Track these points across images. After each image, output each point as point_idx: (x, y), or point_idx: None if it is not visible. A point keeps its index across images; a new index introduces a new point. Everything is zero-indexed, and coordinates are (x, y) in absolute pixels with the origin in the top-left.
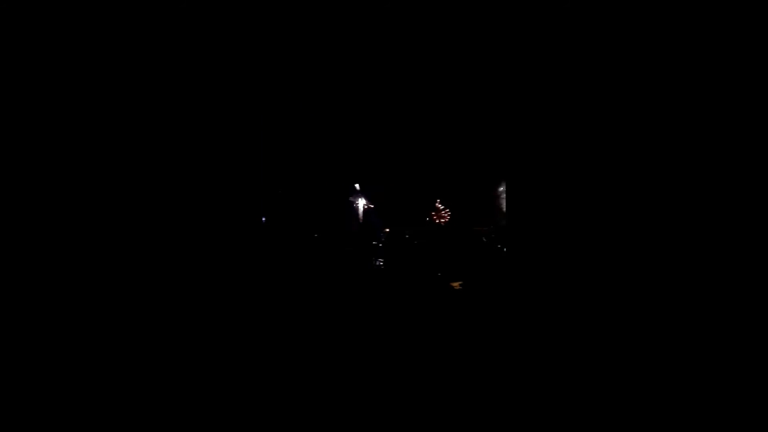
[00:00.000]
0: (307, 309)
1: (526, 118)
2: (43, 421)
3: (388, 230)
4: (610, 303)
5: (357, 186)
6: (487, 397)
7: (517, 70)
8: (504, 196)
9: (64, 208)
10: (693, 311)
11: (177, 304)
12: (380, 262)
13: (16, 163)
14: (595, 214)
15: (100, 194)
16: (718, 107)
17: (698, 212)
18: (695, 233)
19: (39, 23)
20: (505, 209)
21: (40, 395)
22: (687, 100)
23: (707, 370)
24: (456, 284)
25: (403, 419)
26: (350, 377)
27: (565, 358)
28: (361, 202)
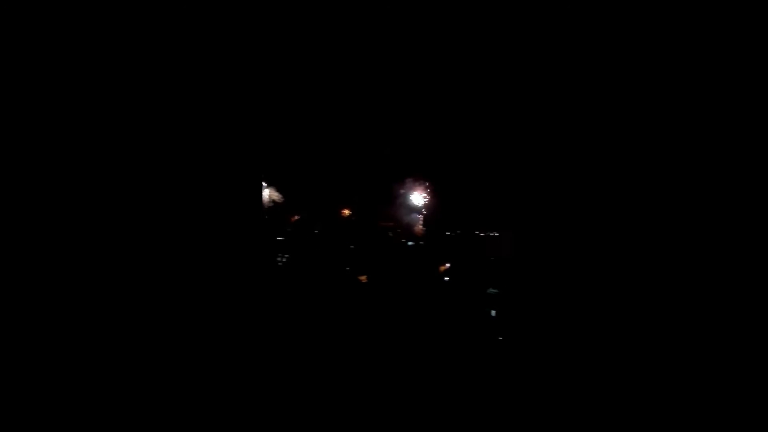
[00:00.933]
0: (210, 308)
1: (439, 115)
2: (43, 421)
3: (295, 219)
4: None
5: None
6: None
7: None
8: (409, 193)
9: (60, 207)
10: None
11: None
12: (285, 257)
13: (14, 163)
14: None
15: (97, 193)
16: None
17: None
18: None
19: (38, 23)
20: (410, 206)
21: (39, 395)
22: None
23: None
24: (363, 278)
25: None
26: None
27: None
28: (266, 192)
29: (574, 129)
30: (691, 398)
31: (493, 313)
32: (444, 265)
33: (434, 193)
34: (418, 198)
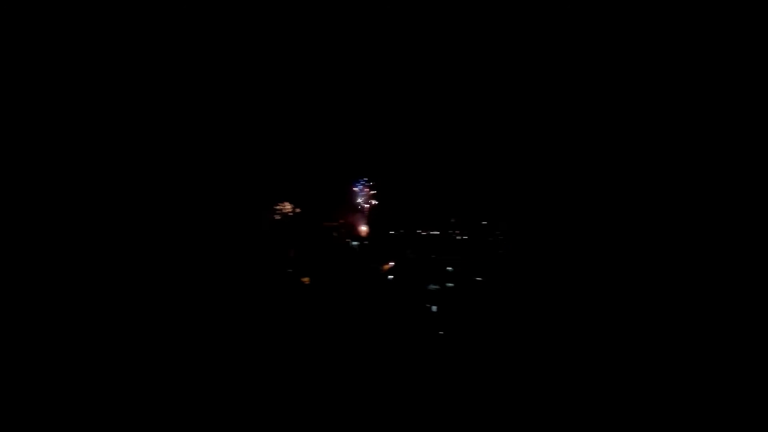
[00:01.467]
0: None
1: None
2: (43, 420)
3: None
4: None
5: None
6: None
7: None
8: (354, 193)
9: (64, 209)
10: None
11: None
12: (226, 260)
13: (21, 164)
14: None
15: (98, 194)
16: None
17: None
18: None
19: (39, 23)
20: (355, 206)
21: (41, 393)
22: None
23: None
24: (306, 279)
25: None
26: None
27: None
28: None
29: (514, 134)
30: (647, 388)
31: (434, 308)
32: (387, 264)
33: (378, 194)
34: (362, 198)
